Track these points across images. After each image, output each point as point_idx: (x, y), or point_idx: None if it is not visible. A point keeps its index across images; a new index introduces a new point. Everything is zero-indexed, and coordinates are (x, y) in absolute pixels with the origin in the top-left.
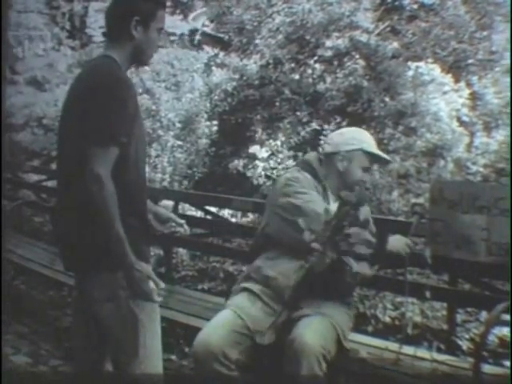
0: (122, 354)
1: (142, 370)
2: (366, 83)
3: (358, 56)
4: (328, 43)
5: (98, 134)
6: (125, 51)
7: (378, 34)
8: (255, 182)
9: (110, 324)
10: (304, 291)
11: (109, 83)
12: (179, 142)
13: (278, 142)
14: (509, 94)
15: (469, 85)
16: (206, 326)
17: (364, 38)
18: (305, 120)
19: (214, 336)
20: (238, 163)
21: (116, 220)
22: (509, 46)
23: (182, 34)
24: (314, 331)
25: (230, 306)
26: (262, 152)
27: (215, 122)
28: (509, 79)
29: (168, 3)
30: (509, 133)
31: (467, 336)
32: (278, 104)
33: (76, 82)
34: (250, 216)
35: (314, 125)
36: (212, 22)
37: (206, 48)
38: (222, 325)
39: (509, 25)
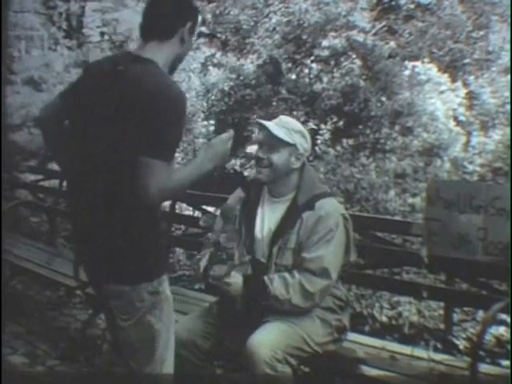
0: (134, 361)
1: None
2: (362, 83)
3: (354, 56)
4: (325, 43)
5: (161, 148)
6: (169, 56)
7: (375, 34)
8: None
9: (126, 334)
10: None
11: (174, 96)
12: None
13: None
14: (506, 93)
15: (465, 84)
16: None
17: (361, 37)
18: (301, 120)
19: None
20: (235, 163)
21: None
22: (507, 46)
23: None
24: (264, 335)
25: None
26: None
27: (212, 122)
28: (506, 78)
29: None
30: (508, 132)
31: (464, 335)
32: (274, 104)
33: (114, 84)
34: None
35: (311, 124)
36: (207, 22)
37: (203, 48)
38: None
39: (506, 25)
